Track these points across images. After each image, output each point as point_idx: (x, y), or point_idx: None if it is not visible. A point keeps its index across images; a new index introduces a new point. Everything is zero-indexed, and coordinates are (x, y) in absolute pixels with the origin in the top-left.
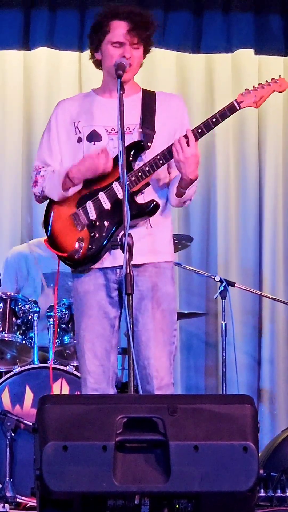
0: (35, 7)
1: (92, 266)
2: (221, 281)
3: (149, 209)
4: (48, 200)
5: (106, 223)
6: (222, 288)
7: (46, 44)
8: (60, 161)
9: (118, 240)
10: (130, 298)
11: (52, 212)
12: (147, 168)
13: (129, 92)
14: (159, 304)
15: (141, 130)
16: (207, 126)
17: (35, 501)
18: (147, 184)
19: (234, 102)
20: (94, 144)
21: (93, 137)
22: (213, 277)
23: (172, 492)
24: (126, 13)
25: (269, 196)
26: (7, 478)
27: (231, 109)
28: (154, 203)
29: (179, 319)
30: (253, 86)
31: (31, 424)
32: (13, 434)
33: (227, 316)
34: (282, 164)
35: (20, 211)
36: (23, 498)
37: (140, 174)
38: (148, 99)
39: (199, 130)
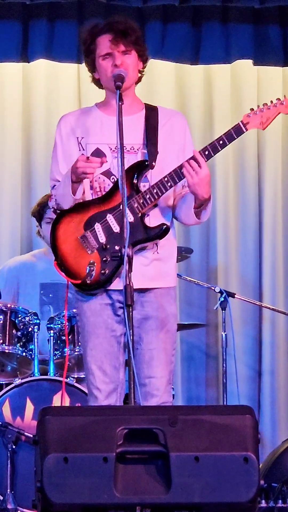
0: (33, 19)
1: None
2: (221, 292)
3: (160, 233)
4: (52, 222)
5: (117, 247)
6: (222, 299)
7: (45, 56)
8: None
9: (118, 252)
10: (130, 309)
11: (59, 233)
12: (155, 191)
13: (132, 110)
14: (164, 325)
15: (145, 150)
16: (214, 148)
17: None
18: (155, 206)
19: (241, 124)
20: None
21: (98, 155)
22: (213, 288)
23: (173, 503)
24: (106, 25)
25: (268, 207)
26: (8, 490)
27: (237, 131)
28: (165, 226)
29: (179, 330)
30: (258, 106)
31: (32, 436)
32: (14, 446)
33: (227, 327)
34: (281, 175)
35: (19, 222)
36: (24, 510)
37: (148, 196)
38: (151, 117)
39: (206, 153)
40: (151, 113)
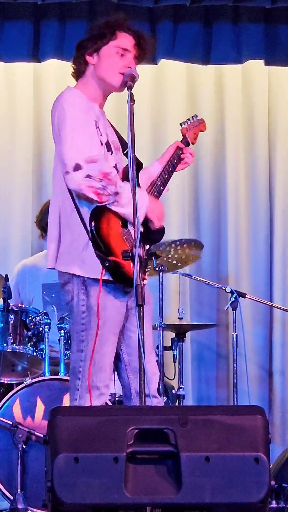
0: (44, 19)
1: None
2: (231, 292)
3: (161, 235)
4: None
5: (147, 247)
6: (233, 299)
7: (56, 56)
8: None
9: (129, 251)
10: (141, 309)
11: (103, 227)
12: (155, 194)
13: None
14: (150, 312)
15: (119, 146)
16: (178, 157)
17: None
18: None
19: (187, 137)
20: (111, 154)
21: (108, 147)
22: (223, 288)
23: (184, 503)
24: (132, 29)
25: (279, 206)
26: (19, 490)
27: (187, 144)
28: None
29: (190, 330)
30: (189, 122)
31: (42, 436)
32: (24, 446)
33: (238, 327)
34: None
35: (30, 224)
36: (34, 510)
37: (156, 194)
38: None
39: (175, 161)
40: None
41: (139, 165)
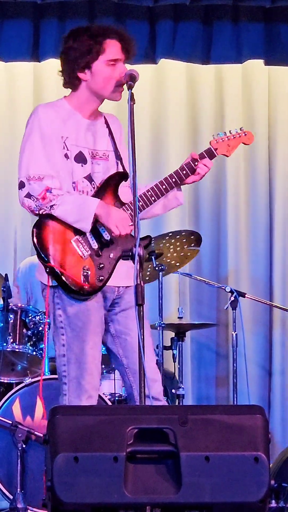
0: (44, 18)
1: None
2: (231, 291)
3: (149, 244)
4: (35, 223)
5: (111, 255)
6: (232, 298)
7: (55, 55)
8: (55, 170)
9: (129, 251)
10: (141, 309)
11: (46, 234)
12: (140, 203)
13: (96, 115)
14: (146, 314)
15: (113, 157)
16: (190, 168)
17: None
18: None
19: (212, 149)
20: (82, 166)
21: (80, 159)
22: (223, 287)
23: (183, 503)
24: (116, 32)
25: (279, 206)
26: (18, 489)
27: (210, 155)
28: (151, 238)
29: (190, 329)
30: (224, 133)
31: (42, 435)
32: (24, 446)
33: (237, 326)
34: None
35: (30, 224)
36: (34, 509)
37: (141, 203)
38: (107, 124)
39: (184, 172)
40: (105, 119)
41: (122, 176)
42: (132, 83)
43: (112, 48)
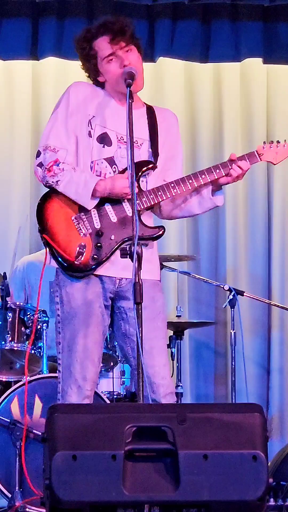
0: (43, 16)
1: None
2: (230, 290)
3: (158, 235)
4: (43, 195)
5: (112, 237)
6: (231, 297)
7: (54, 53)
8: (73, 146)
9: (127, 249)
10: (140, 307)
11: (49, 208)
12: (159, 193)
13: (137, 104)
14: (157, 313)
15: (150, 150)
16: (225, 167)
17: (44, 510)
18: (152, 207)
19: (256, 153)
20: (104, 147)
21: (104, 140)
22: (222, 286)
23: (182, 501)
24: (101, 28)
25: (277, 205)
26: (17, 487)
27: (251, 159)
28: (163, 230)
29: (189, 328)
30: (271, 141)
31: (40, 433)
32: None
33: (236, 325)
34: None
35: (28, 222)
36: (32, 508)
37: (152, 196)
38: (151, 116)
39: (217, 171)
40: (150, 111)
41: (147, 164)
42: (130, 81)
43: (102, 45)
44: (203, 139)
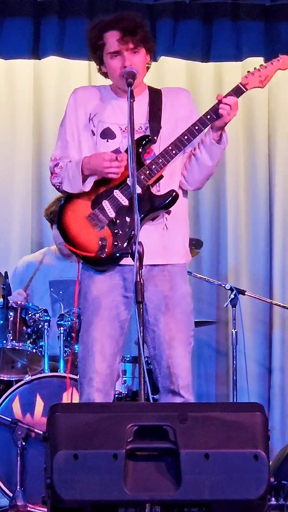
0: (44, 16)
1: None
2: (231, 289)
3: (169, 200)
4: (60, 203)
5: (128, 219)
6: (232, 296)
7: (56, 53)
8: (75, 150)
9: (128, 248)
10: (141, 306)
11: (66, 215)
12: (160, 160)
13: (137, 92)
14: (179, 304)
15: (146, 124)
16: (215, 112)
17: (46, 509)
18: (161, 177)
19: (240, 85)
20: (107, 141)
21: (107, 134)
22: (223, 285)
23: (183, 500)
24: (114, 21)
25: (279, 204)
26: (18, 487)
27: (237, 92)
28: (174, 193)
29: None
30: (254, 68)
31: (41, 433)
32: (23, 443)
33: (237, 324)
34: None
35: (30, 221)
36: (34, 507)
37: (153, 166)
38: (154, 96)
39: (208, 117)
40: (155, 94)
41: (143, 139)
42: (131, 80)
43: (111, 40)
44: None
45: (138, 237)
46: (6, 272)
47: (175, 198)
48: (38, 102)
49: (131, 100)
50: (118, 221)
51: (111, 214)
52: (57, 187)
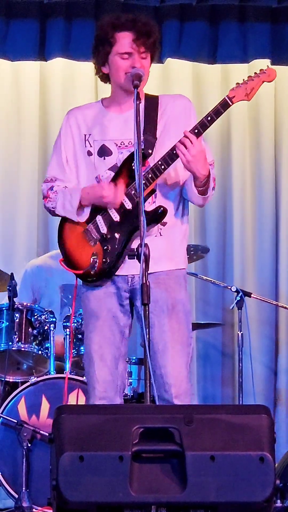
0: (50, 17)
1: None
2: (237, 291)
3: (157, 215)
4: (60, 218)
5: (117, 235)
6: (238, 298)
7: (62, 54)
8: (71, 174)
9: (135, 250)
10: (147, 308)
11: (64, 230)
12: (150, 175)
13: (132, 104)
14: (174, 306)
15: (142, 137)
16: (203, 125)
17: (51, 511)
18: (153, 191)
19: (226, 98)
20: (104, 159)
21: (104, 152)
22: (229, 287)
23: (189, 502)
24: (130, 22)
25: (285, 206)
26: (24, 488)
27: (224, 106)
28: (161, 209)
29: (196, 329)
30: (243, 79)
31: (47, 434)
32: (29, 445)
33: (243, 326)
34: None
35: (36, 224)
36: (39, 508)
37: (144, 182)
38: (150, 107)
39: (196, 131)
40: (151, 103)
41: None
42: (138, 82)
43: (123, 40)
44: (210, 140)
45: (144, 239)
46: (12, 274)
47: (163, 214)
48: (44, 103)
49: (137, 102)
50: (108, 236)
51: (103, 229)
52: (51, 211)
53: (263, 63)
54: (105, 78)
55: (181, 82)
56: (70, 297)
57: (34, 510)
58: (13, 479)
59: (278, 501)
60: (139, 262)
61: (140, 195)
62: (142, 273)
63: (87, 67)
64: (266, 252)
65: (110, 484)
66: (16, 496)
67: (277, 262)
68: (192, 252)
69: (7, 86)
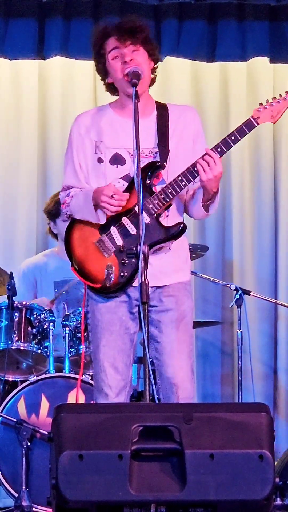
0: (49, 16)
1: None
2: (236, 289)
3: (178, 231)
4: (66, 226)
5: (134, 249)
6: (237, 296)
7: (61, 53)
8: (87, 181)
9: (133, 249)
10: (146, 306)
11: (73, 238)
12: (169, 190)
13: (146, 112)
14: (183, 317)
15: (156, 149)
16: (227, 144)
17: (51, 510)
18: (169, 205)
19: (252, 119)
20: (117, 167)
21: (116, 160)
22: (228, 285)
23: (188, 500)
24: (114, 27)
25: (284, 204)
26: (23, 487)
27: (248, 126)
28: (182, 225)
29: (195, 327)
30: (267, 101)
31: (46, 433)
32: (29, 444)
33: (242, 324)
34: None
35: (35, 222)
36: (39, 507)
37: (162, 197)
38: (162, 116)
39: (219, 149)
40: (162, 112)
41: (152, 166)
42: (136, 80)
43: (110, 42)
44: (209, 138)
45: (143, 238)
46: (11, 273)
47: (184, 230)
48: (43, 101)
49: (136, 101)
50: (125, 249)
51: (119, 242)
52: (70, 215)
53: (261, 61)
54: (113, 89)
55: (180, 80)
56: (64, 293)
57: (34, 509)
58: (13, 478)
59: (278, 499)
60: (138, 260)
61: (139, 194)
62: (140, 271)
63: (86, 66)
64: (265, 250)
65: (109, 482)
66: (16, 495)
67: (276, 260)
68: (191, 251)
69: (6, 84)
